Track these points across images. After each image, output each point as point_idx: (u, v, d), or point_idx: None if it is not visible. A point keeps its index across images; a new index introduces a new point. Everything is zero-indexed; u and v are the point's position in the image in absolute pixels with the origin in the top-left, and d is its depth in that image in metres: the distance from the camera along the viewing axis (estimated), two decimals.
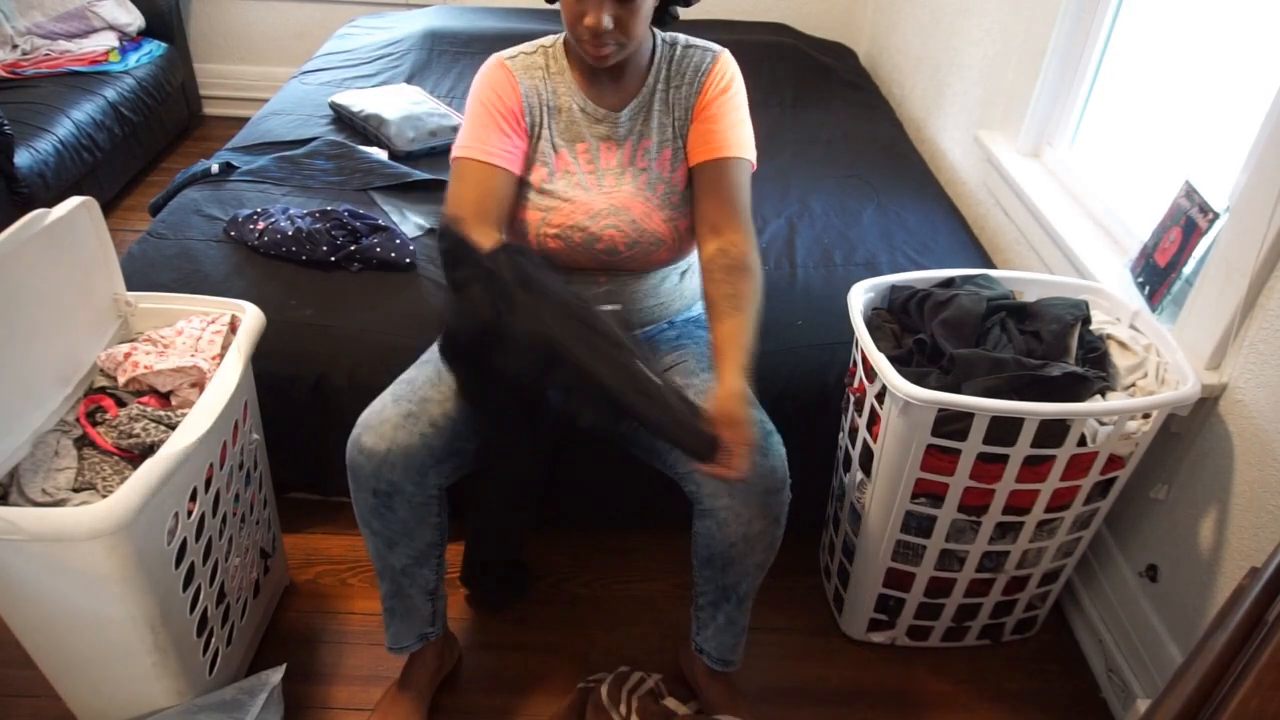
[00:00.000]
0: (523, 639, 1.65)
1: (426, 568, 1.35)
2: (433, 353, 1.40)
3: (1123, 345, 1.44)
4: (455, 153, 1.34)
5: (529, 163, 1.37)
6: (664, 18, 1.36)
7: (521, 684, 1.57)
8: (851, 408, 1.53)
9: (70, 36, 3.17)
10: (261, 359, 1.43)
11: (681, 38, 1.41)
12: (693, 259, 1.51)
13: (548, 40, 1.41)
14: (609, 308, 1.39)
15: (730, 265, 1.29)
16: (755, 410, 1.33)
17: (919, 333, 1.47)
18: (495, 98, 1.34)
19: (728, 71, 1.38)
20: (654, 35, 1.38)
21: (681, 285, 1.49)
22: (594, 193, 1.36)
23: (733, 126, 1.36)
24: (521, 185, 1.37)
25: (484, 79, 1.36)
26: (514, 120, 1.34)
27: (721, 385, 1.18)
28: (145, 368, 1.33)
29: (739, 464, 1.13)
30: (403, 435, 1.24)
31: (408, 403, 1.27)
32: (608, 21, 1.20)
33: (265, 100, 2.71)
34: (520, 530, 1.65)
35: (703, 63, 1.38)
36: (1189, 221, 1.48)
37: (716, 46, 1.41)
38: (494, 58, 1.38)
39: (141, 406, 1.30)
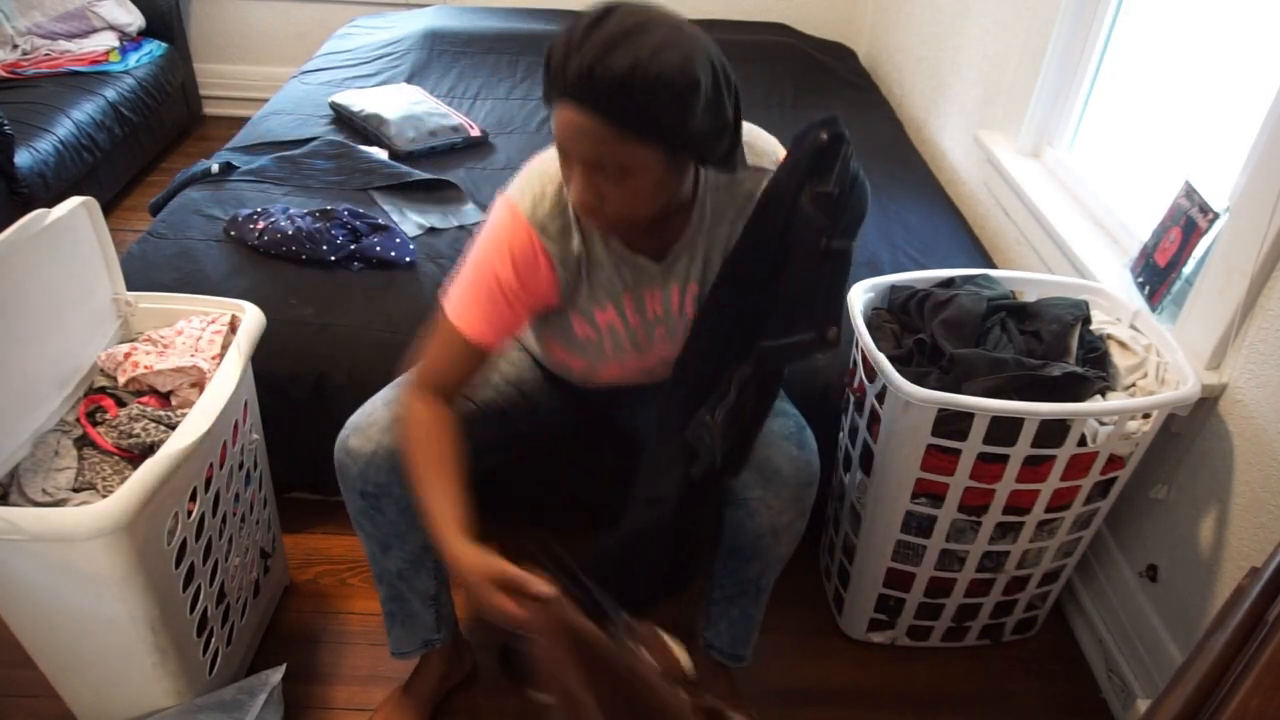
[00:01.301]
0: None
1: (423, 572, 1.34)
2: None
3: (1123, 345, 1.44)
4: (445, 302, 1.18)
5: (564, 313, 1.22)
6: (699, 170, 1.12)
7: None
8: (851, 408, 1.53)
9: (70, 36, 3.17)
10: (261, 359, 1.43)
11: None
12: None
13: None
14: None
15: None
16: (787, 404, 1.34)
17: (919, 333, 1.47)
18: (510, 274, 1.13)
19: None
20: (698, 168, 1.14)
21: None
22: (644, 348, 1.25)
23: None
24: (560, 323, 1.24)
25: (506, 241, 1.13)
26: (522, 300, 1.16)
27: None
28: (145, 368, 1.33)
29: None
30: (389, 439, 1.22)
31: (399, 406, 1.27)
32: (592, 197, 1.01)
33: (265, 100, 2.71)
34: None
35: (757, 190, 1.15)
36: (1189, 221, 1.48)
37: (772, 161, 1.16)
38: (516, 210, 1.12)
39: (141, 406, 1.30)
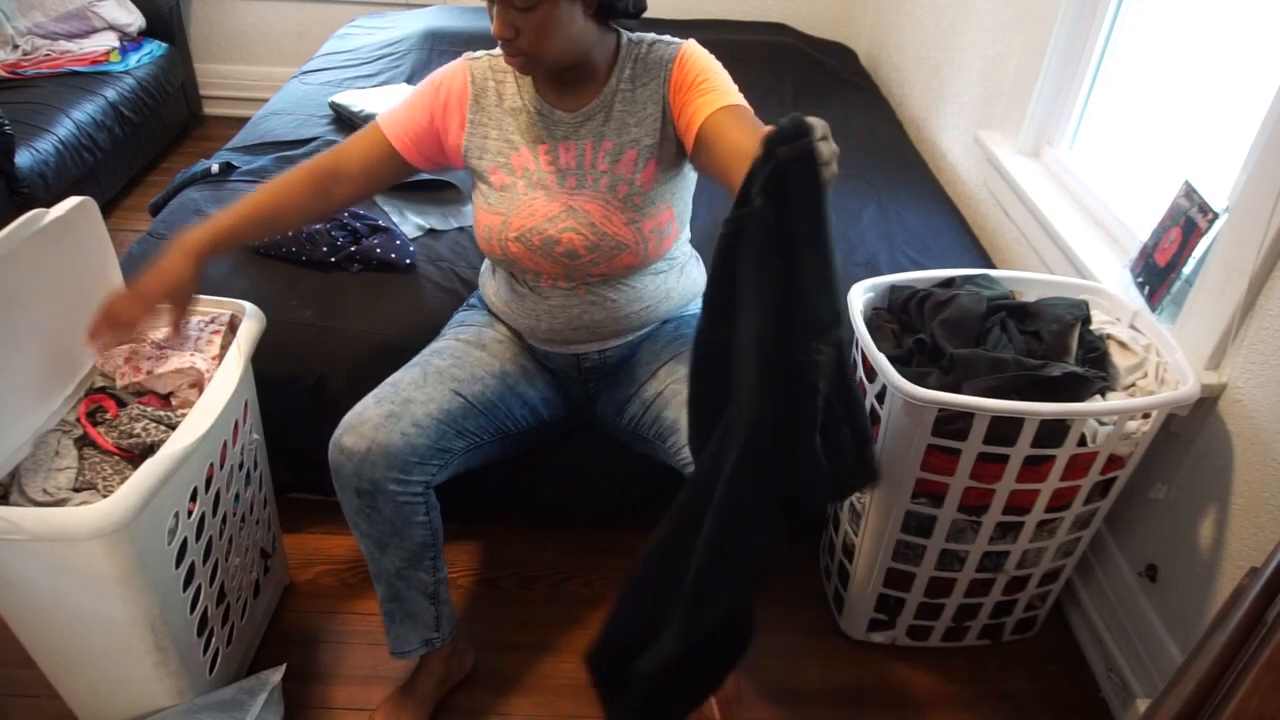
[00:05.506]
0: (524, 639, 1.65)
1: (422, 570, 1.35)
2: (419, 356, 1.40)
3: (1123, 345, 1.44)
4: (379, 117, 1.38)
5: (476, 157, 1.36)
6: (609, 22, 1.30)
7: (523, 684, 1.57)
8: None
9: (71, 36, 3.17)
10: (261, 359, 1.43)
11: (649, 36, 1.36)
12: (680, 257, 1.47)
13: None
14: None
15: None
16: None
17: (919, 333, 1.47)
18: (435, 90, 1.36)
19: (694, 54, 1.32)
20: (619, 35, 1.34)
21: (669, 285, 1.45)
22: (554, 192, 1.33)
23: (721, 87, 1.29)
24: (483, 187, 1.37)
25: (442, 70, 1.38)
26: (442, 113, 1.36)
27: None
28: (145, 372, 1.33)
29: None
30: (383, 435, 1.24)
31: (390, 403, 1.27)
32: (508, 30, 1.19)
33: (265, 100, 2.70)
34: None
35: (666, 55, 1.33)
36: (1189, 221, 1.48)
37: (681, 40, 1.36)
38: (463, 56, 1.39)
39: (142, 406, 1.31)
